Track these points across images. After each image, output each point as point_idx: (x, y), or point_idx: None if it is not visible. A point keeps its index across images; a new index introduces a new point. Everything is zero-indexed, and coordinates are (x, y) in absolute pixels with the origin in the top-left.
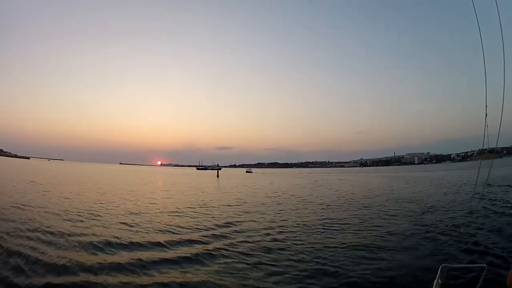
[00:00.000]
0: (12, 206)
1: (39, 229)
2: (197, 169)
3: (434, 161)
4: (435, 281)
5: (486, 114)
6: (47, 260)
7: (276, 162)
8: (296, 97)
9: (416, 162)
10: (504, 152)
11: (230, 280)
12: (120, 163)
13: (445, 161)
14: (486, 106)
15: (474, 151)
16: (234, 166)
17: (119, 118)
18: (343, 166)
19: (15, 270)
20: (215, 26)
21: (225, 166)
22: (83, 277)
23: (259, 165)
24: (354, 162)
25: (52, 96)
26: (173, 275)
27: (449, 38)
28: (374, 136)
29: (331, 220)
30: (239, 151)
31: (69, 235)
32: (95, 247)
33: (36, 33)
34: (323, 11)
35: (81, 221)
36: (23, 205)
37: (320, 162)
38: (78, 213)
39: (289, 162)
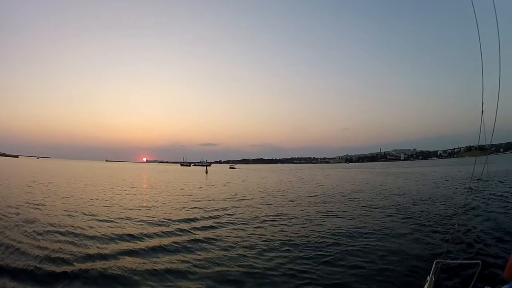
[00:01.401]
0: (29, 206)
1: (64, 226)
2: (181, 165)
3: (420, 157)
4: (429, 276)
5: (482, 111)
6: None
7: (261, 158)
8: (282, 94)
9: (402, 158)
10: (492, 149)
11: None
12: (106, 160)
13: (431, 157)
14: (483, 103)
15: (461, 148)
16: (220, 162)
17: (104, 115)
18: (328, 162)
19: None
20: (201, 23)
21: (211, 163)
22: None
23: (244, 161)
24: (339, 158)
25: (38, 94)
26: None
27: (440, 36)
28: (360, 132)
29: (325, 214)
30: (224, 147)
31: (95, 230)
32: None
33: (21, 30)
34: (312, 8)
35: (102, 216)
36: (37, 204)
37: (305, 158)
38: (96, 210)
39: (274, 158)
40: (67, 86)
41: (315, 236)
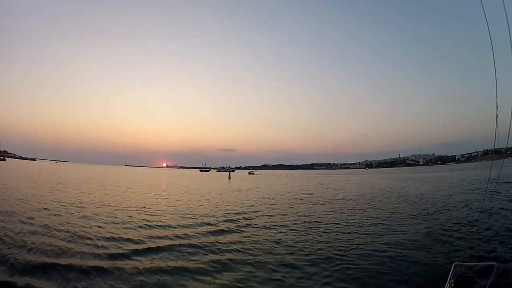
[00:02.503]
0: (74, 205)
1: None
2: (200, 170)
3: (439, 162)
4: (448, 279)
5: (497, 114)
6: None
7: (281, 164)
8: (300, 99)
9: (421, 164)
10: (508, 152)
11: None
12: (126, 165)
13: (449, 162)
14: (497, 106)
15: (478, 152)
16: (240, 168)
17: (123, 120)
18: (348, 168)
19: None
20: (218, 28)
21: (234, 168)
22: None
23: (264, 167)
24: (359, 164)
25: (55, 97)
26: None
27: (454, 39)
28: (378, 138)
29: (346, 219)
30: (243, 153)
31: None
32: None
33: (38, 32)
34: (326, 12)
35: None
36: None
37: (325, 163)
38: (135, 209)
39: (294, 164)
40: (84, 90)
41: (337, 237)
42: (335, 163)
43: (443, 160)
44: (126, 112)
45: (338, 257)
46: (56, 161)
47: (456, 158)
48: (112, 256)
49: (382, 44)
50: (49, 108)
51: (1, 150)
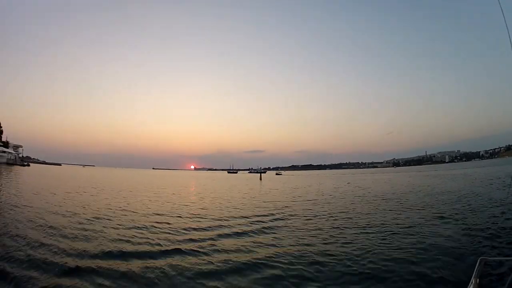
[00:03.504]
0: (119, 209)
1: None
2: (228, 172)
3: (464, 159)
4: (473, 274)
5: None
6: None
7: (310, 164)
8: (327, 98)
9: (446, 161)
10: None
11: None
12: (153, 168)
13: (474, 158)
14: None
15: (501, 147)
16: (269, 169)
17: (150, 123)
18: (376, 167)
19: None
20: (242, 30)
21: (265, 170)
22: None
23: (293, 168)
24: (386, 163)
25: (80, 103)
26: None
27: (477, 36)
28: (405, 136)
29: (372, 215)
30: (271, 154)
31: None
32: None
33: (64, 38)
34: (348, 11)
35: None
36: (125, 209)
37: (353, 163)
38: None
39: (323, 164)
40: (110, 95)
41: (366, 232)
42: (363, 162)
43: (468, 156)
44: (153, 116)
45: (367, 249)
46: (83, 165)
47: (480, 154)
48: (163, 253)
49: (405, 43)
50: (73, 113)
51: (24, 155)
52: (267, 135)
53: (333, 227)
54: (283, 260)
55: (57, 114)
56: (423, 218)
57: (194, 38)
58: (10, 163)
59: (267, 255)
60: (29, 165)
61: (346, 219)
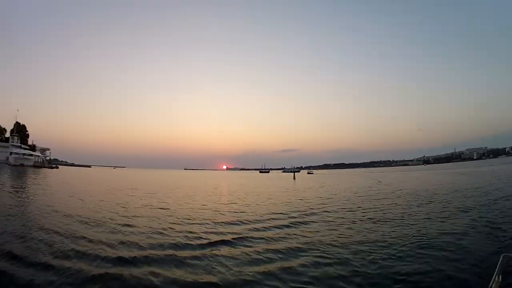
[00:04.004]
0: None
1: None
2: (260, 172)
3: (491, 156)
4: (496, 271)
5: None
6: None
7: (342, 163)
8: (358, 96)
9: (474, 158)
10: None
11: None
12: (185, 169)
13: (500, 155)
14: None
15: None
16: (301, 168)
17: (180, 123)
18: (407, 165)
19: None
20: (273, 29)
21: (299, 169)
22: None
23: (326, 166)
24: (417, 160)
25: (108, 105)
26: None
27: (502, 29)
28: (433, 133)
29: (404, 214)
30: (303, 153)
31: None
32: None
33: (91, 37)
34: (374, 11)
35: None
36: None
37: (384, 161)
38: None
39: (354, 162)
40: (140, 97)
41: (392, 232)
42: (394, 160)
43: (495, 153)
44: (184, 116)
45: (397, 244)
46: (114, 167)
47: (506, 150)
48: (201, 246)
49: (432, 40)
50: (102, 115)
51: (51, 158)
52: (299, 134)
53: (368, 223)
54: (329, 251)
55: (86, 117)
56: (449, 215)
57: (224, 39)
58: (37, 165)
59: (308, 244)
60: (57, 167)
61: (379, 215)
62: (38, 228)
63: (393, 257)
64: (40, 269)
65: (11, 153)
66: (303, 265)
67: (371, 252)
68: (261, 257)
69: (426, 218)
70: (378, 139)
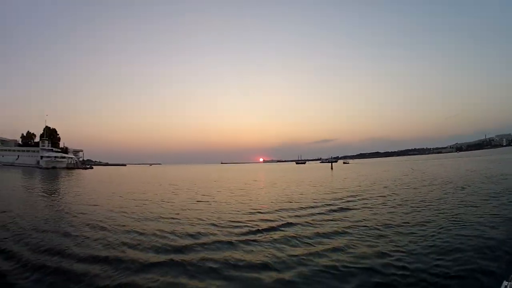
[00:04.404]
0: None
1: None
2: (296, 163)
3: None
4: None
5: None
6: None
7: (377, 152)
8: (392, 84)
9: (504, 144)
10: None
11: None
12: (221, 163)
13: None
14: None
15: None
16: (337, 158)
17: (215, 117)
18: (440, 152)
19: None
20: (309, 20)
21: (337, 159)
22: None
23: (361, 156)
24: (450, 148)
25: (146, 105)
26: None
27: None
28: (466, 118)
29: (437, 200)
30: (340, 143)
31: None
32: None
33: (124, 39)
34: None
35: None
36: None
37: (418, 149)
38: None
39: (390, 151)
40: (174, 93)
41: (429, 216)
42: (428, 147)
43: None
44: (218, 110)
45: (435, 226)
46: (150, 164)
47: None
48: (250, 233)
49: (468, 24)
50: (135, 113)
51: (84, 159)
52: (335, 125)
53: (407, 208)
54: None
55: (118, 117)
56: (480, 203)
57: (260, 31)
58: (70, 167)
59: (353, 228)
60: (91, 168)
61: (416, 200)
62: (85, 224)
63: (429, 238)
64: (95, 262)
65: (41, 156)
66: (350, 246)
67: (411, 233)
68: (311, 241)
69: (460, 204)
70: (412, 126)
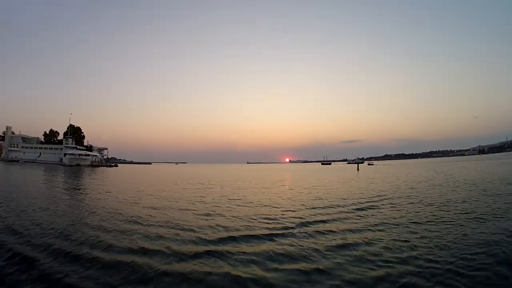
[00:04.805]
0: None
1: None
2: (322, 164)
3: None
4: None
5: None
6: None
7: (402, 154)
8: (416, 84)
9: None
10: None
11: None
12: (247, 162)
13: None
14: None
15: None
16: (362, 159)
17: (242, 117)
18: (463, 154)
19: None
20: (334, 18)
21: (363, 160)
22: None
23: (386, 157)
24: (472, 150)
25: (173, 105)
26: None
27: None
28: (490, 120)
29: (462, 201)
30: (365, 144)
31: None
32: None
33: (146, 33)
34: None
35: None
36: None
37: (442, 151)
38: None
39: (414, 153)
40: (201, 93)
41: (454, 215)
42: (451, 150)
43: None
44: (246, 110)
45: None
46: (176, 163)
47: None
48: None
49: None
50: (160, 112)
51: (109, 157)
52: (360, 125)
53: (433, 209)
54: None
55: (143, 115)
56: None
57: (283, 33)
58: (95, 165)
59: (384, 225)
60: (117, 166)
61: (441, 202)
62: (121, 220)
63: (456, 237)
64: (137, 254)
65: (65, 154)
66: (380, 240)
67: (438, 231)
68: (344, 235)
69: (486, 206)
70: (436, 128)
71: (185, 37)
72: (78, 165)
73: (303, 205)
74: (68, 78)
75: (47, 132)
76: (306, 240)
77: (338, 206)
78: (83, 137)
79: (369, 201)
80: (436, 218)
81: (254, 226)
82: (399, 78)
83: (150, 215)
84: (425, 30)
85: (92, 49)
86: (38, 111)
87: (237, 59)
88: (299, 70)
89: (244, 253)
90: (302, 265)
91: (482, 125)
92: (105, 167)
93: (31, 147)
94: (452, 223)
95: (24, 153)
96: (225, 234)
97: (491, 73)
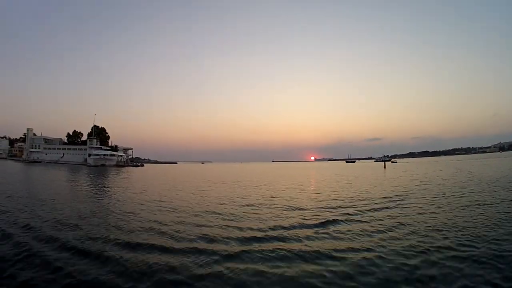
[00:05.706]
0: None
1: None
2: (346, 162)
3: None
4: None
5: None
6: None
7: (426, 151)
8: (441, 83)
9: None
10: None
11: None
12: (273, 161)
13: None
14: None
15: None
16: (387, 157)
17: (268, 116)
18: (485, 152)
19: None
20: (355, 15)
21: (389, 158)
22: None
23: (410, 155)
24: (494, 147)
25: (194, 101)
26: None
27: None
28: (510, 117)
29: (485, 199)
30: (389, 141)
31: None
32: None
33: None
34: None
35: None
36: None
37: (464, 148)
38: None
39: (438, 150)
40: (229, 92)
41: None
42: (474, 147)
43: None
44: (268, 110)
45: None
46: (202, 162)
47: None
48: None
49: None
50: (186, 111)
51: (134, 157)
52: (384, 123)
53: (460, 205)
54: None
55: (168, 115)
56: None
57: (306, 32)
58: (120, 165)
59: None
60: (143, 165)
61: (467, 199)
62: (155, 220)
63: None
64: (177, 253)
65: (89, 154)
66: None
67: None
68: (378, 230)
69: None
70: (456, 126)
71: (208, 37)
72: (103, 165)
73: (336, 203)
74: (94, 78)
75: (70, 134)
76: (339, 236)
77: (371, 203)
78: (108, 137)
79: (398, 199)
80: (461, 212)
81: (289, 224)
82: (422, 76)
83: (186, 214)
84: (446, 27)
85: (117, 49)
86: (64, 111)
87: (267, 57)
88: (323, 68)
89: (280, 249)
90: (336, 260)
91: (501, 122)
92: (131, 167)
93: (54, 148)
94: (476, 216)
95: (46, 154)
96: (261, 234)
97: (509, 70)
